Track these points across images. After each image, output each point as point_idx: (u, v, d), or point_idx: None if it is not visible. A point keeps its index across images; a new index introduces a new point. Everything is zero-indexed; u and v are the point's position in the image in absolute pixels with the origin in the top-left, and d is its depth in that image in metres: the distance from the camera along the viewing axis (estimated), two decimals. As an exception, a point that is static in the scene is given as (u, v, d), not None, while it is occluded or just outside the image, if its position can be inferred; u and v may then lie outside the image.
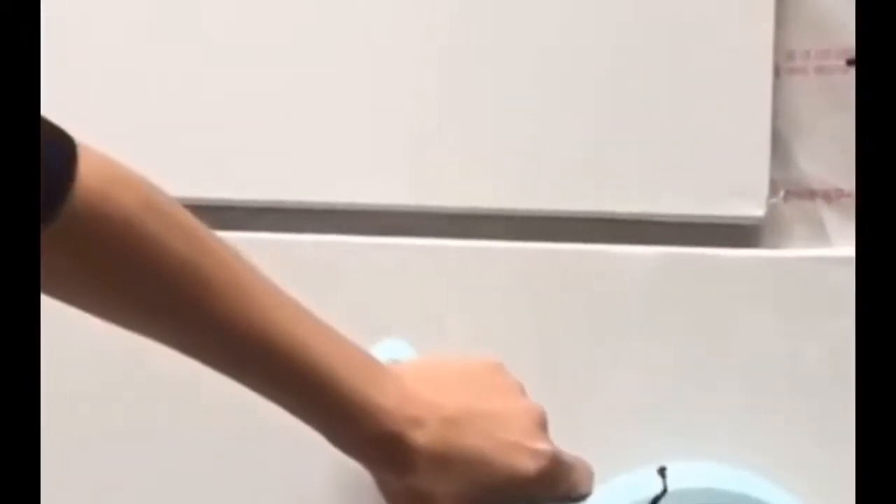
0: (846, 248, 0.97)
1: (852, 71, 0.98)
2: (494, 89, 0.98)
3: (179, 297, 0.72)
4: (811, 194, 0.99)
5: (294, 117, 0.98)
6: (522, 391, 0.81)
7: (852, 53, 0.98)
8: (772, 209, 0.98)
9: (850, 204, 0.98)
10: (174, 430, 0.98)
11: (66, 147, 0.69)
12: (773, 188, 0.98)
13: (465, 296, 0.99)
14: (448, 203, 0.99)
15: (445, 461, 0.76)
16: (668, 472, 0.93)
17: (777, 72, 0.98)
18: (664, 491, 0.92)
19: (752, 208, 0.98)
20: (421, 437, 0.76)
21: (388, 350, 0.87)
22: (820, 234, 0.99)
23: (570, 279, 0.99)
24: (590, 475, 0.82)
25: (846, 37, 0.97)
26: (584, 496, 0.81)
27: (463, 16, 0.98)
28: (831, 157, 0.98)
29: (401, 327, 0.96)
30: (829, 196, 0.99)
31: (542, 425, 0.79)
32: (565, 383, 0.95)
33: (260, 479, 0.98)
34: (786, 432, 0.97)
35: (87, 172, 0.69)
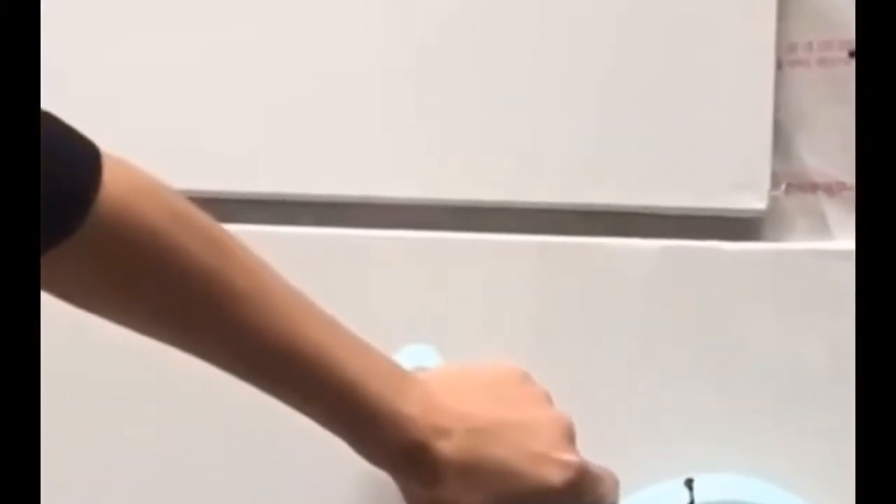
0: (847, 241, 0.97)
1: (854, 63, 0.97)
2: (495, 80, 0.98)
3: (203, 307, 0.72)
4: (813, 187, 0.99)
5: (299, 110, 0.98)
6: (549, 400, 0.80)
7: (854, 45, 0.97)
8: (773, 202, 0.98)
9: (852, 197, 0.98)
10: (187, 435, 0.98)
11: (90, 156, 0.69)
12: (775, 181, 0.98)
13: (465, 288, 0.98)
14: (450, 196, 0.99)
15: (472, 472, 0.75)
16: (696, 484, 0.93)
17: (779, 64, 0.98)
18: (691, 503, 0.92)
19: (753, 201, 0.98)
20: (447, 448, 0.75)
21: (414, 356, 0.87)
22: (821, 227, 0.99)
23: (572, 272, 0.98)
24: (616, 486, 0.81)
25: (848, 28, 0.97)
26: (609, 508, 0.81)
27: (465, 12, 0.98)
28: (833, 150, 0.98)
29: (401, 320, 0.96)
30: (831, 189, 0.98)
31: (569, 436, 0.78)
32: (564, 377, 0.95)
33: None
34: (784, 427, 0.97)
35: (111, 182, 0.69)
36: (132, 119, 0.97)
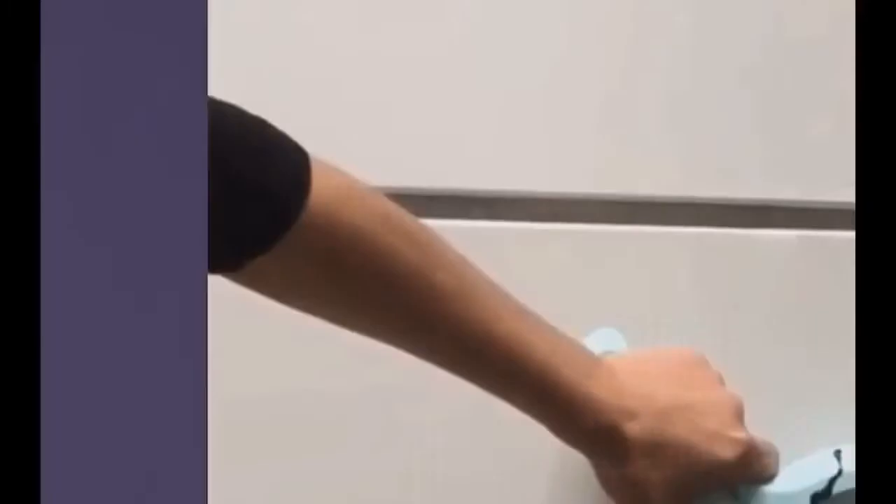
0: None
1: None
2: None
3: (408, 303, 0.75)
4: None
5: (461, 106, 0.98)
6: (722, 382, 0.86)
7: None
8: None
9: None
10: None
11: (300, 161, 0.72)
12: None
13: (631, 280, 1.00)
14: (616, 191, 1.00)
15: (656, 450, 0.81)
16: (843, 455, 0.94)
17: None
18: (840, 472, 0.93)
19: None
20: (635, 428, 0.80)
21: (602, 341, 0.90)
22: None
23: (733, 264, 1.01)
24: (776, 459, 0.88)
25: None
26: (771, 477, 0.87)
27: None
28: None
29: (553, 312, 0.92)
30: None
31: (739, 415, 0.84)
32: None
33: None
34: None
35: (320, 186, 0.71)
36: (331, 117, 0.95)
